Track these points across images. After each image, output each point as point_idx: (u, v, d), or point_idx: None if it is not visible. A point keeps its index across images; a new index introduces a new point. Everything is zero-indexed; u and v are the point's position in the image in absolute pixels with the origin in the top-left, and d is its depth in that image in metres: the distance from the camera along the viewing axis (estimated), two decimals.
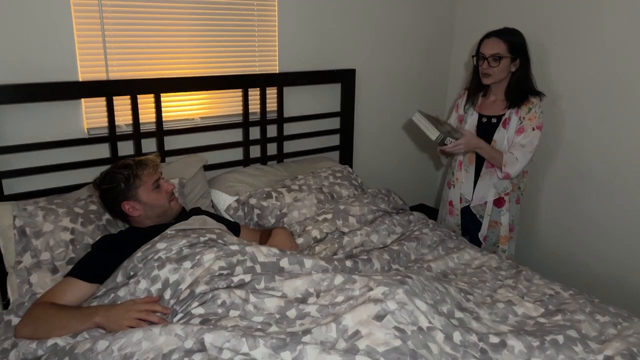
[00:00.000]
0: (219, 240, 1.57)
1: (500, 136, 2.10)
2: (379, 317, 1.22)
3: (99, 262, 1.53)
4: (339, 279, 1.41)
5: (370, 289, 1.33)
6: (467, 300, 1.49)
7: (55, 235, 1.68)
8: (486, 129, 2.16)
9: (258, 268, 1.48)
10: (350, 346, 1.16)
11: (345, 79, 2.56)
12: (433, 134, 1.96)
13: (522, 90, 2.09)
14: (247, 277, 1.41)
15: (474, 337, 1.27)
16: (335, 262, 1.61)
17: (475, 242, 2.25)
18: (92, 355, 1.19)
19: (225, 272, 1.42)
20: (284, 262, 1.52)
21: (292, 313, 1.32)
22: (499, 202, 2.18)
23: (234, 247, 1.51)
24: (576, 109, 2.42)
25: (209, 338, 1.17)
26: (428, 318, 1.25)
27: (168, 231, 1.59)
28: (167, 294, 1.38)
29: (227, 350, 1.15)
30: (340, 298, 1.35)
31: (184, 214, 1.79)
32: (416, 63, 2.90)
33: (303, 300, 1.37)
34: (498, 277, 1.68)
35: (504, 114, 2.12)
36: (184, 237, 1.53)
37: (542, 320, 1.43)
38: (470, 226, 2.30)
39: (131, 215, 1.67)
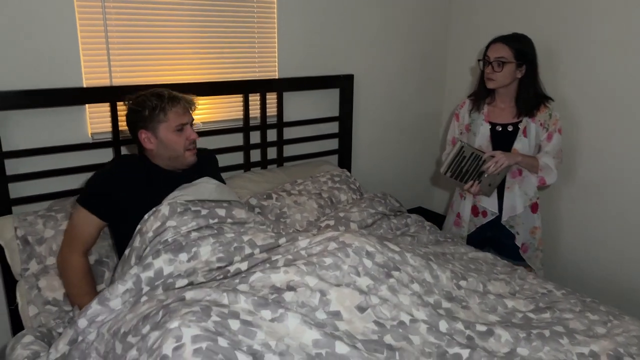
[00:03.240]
0: (228, 220, 1.59)
1: (522, 145, 2.07)
2: (361, 309, 1.26)
3: (109, 201, 1.61)
4: (332, 246, 1.44)
5: (358, 274, 1.36)
6: (458, 287, 1.51)
7: (57, 239, 1.72)
8: (502, 137, 2.12)
9: (257, 252, 1.51)
10: (330, 322, 1.20)
11: (343, 84, 2.60)
12: (456, 146, 1.93)
13: (533, 97, 2.07)
14: (244, 266, 1.43)
15: (461, 325, 1.31)
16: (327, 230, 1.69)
17: (506, 252, 2.18)
18: (86, 347, 1.23)
19: (223, 264, 1.44)
20: (282, 241, 1.56)
21: (278, 263, 1.37)
22: (534, 208, 2.16)
23: (230, 236, 1.52)
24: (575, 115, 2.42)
25: (189, 294, 1.21)
26: (412, 311, 1.29)
27: (178, 200, 1.58)
28: (159, 285, 1.39)
29: (206, 302, 1.18)
30: (329, 261, 1.38)
31: (197, 165, 1.76)
32: (413, 69, 2.94)
33: (293, 260, 1.41)
34: (493, 271, 1.71)
35: (518, 122, 2.09)
36: (193, 218, 1.53)
37: (530, 315, 1.46)
38: (500, 238, 2.20)
39: (144, 146, 1.66)
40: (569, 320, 1.43)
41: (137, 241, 1.51)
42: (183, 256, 1.43)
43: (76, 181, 1.99)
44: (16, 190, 1.88)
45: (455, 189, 2.35)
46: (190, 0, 2.12)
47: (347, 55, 2.64)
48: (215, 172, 1.91)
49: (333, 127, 2.67)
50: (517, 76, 2.06)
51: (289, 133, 2.52)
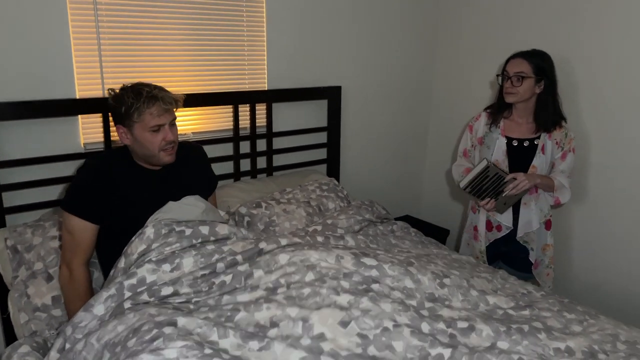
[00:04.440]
0: (211, 238, 1.61)
1: (540, 162, 2.09)
2: (344, 324, 1.30)
3: (97, 201, 1.59)
4: (309, 277, 1.48)
5: (338, 294, 1.40)
6: (442, 286, 1.54)
7: (45, 245, 1.75)
8: (518, 152, 2.12)
9: (240, 259, 1.54)
10: (315, 345, 1.25)
11: (331, 95, 2.67)
12: (481, 164, 1.93)
13: (552, 114, 2.08)
14: (229, 278, 1.47)
15: (443, 325, 1.36)
16: (308, 238, 1.71)
17: (518, 265, 2.20)
18: (74, 356, 1.26)
19: (207, 271, 1.48)
20: (262, 244, 1.60)
21: (260, 300, 1.41)
22: (547, 225, 2.18)
23: (210, 247, 1.56)
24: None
25: (181, 321, 1.24)
26: (394, 317, 1.34)
27: (163, 221, 1.57)
28: (143, 291, 1.42)
29: (196, 336, 1.22)
30: (307, 291, 1.42)
31: (179, 162, 1.73)
32: (400, 81, 3.02)
33: (273, 290, 1.45)
34: (475, 270, 1.76)
35: (535, 138, 2.10)
36: (178, 240, 1.55)
37: (511, 312, 1.51)
38: (513, 252, 2.21)
39: (121, 140, 1.64)
40: (547, 318, 1.48)
41: (122, 262, 1.53)
42: (166, 266, 1.46)
43: None
44: (9, 199, 1.90)
45: (468, 206, 2.36)
46: (182, 15, 2.18)
47: (335, 67, 2.71)
48: (204, 169, 1.90)
49: (321, 137, 2.74)
50: (535, 91, 2.06)
51: (278, 143, 2.57)
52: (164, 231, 1.55)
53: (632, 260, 2.33)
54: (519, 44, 2.25)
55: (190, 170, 1.82)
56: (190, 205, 1.68)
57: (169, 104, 1.60)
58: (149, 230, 1.55)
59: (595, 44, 2.32)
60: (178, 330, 1.20)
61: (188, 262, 1.49)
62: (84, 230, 1.61)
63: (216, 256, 1.53)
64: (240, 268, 1.50)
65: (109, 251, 1.66)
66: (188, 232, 1.57)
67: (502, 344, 1.34)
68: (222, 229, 1.64)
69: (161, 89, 1.64)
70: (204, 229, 1.60)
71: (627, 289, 2.36)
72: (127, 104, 1.56)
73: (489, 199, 2.02)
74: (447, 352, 1.29)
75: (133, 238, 1.55)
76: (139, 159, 1.69)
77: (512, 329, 1.37)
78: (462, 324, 1.37)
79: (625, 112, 2.26)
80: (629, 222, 2.32)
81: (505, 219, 2.15)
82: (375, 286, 1.47)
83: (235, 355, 1.19)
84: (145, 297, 1.39)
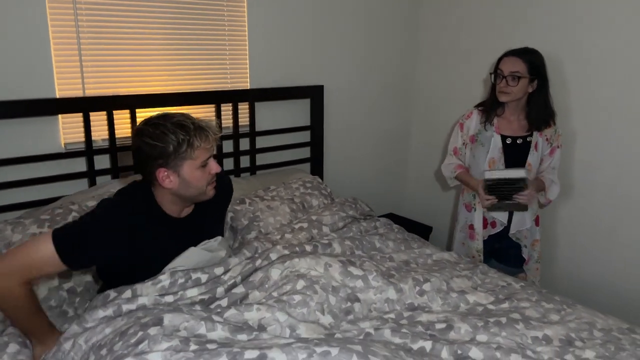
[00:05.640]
0: (223, 277, 1.55)
1: (535, 159, 2.12)
2: (329, 335, 1.35)
3: (93, 257, 1.37)
4: (300, 284, 1.50)
5: (322, 312, 1.45)
6: (421, 294, 1.59)
7: (24, 241, 1.72)
8: (513, 150, 2.14)
9: (239, 280, 1.55)
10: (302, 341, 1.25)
11: (314, 94, 2.69)
12: (519, 172, 1.97)
13: (544, 112, 2.10)
14: (224, 302, 1.44)
15: (421, 328, 1.39)
16: (297, 248, 1.74)
17: (510, 261, 2.23)
18: (63, 356, 1.25)
19: (206, 297, 1.46)
20: (258, 263, 1.63)
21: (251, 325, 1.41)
22: (537, 221, 2.23)
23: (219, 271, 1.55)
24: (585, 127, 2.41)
25: (168, 317, 1.23)
26: (372, 332, 1.37)
27: (179, 269, 1.46)
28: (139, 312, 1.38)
29: (184, 331, 1.22)
30: (297, 297, 1.45)
31: (201, 209, 1.58)
32: (382, 80, 3.05)
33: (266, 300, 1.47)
34: (456, 269, 1.79)
35: (527, 135, 2.12)
36: (193, 286, 1.47)
37: (490, 307, 1.54)
38: (505, 249, 2.24)
39: (162, 185, 1.40)
40: (525, 309, 1.52)
41: (128, 294, 1.43)
42: (169, 297, 1.42)
43: (49, 191, 2.01)
44: None
45: (459, 203, 2.35)
46: (162, 13, 2.18)
47: (317, 66, 2.73)
48: (226, 204, 1.76)
49: (305, 136, 2.75)
50: (528, 90, 2.07)
51: (262, 142, 2.58)
52: (180, 281, 1.46)
53: (613, 253, 2.39)
54: (503, 43, 2.28)
55: (214, 209, 1.65)
56: (212, 252, 1.57)
57: (216, 133, 1.42)
58: (164, 278, 1.45)
59: (582, 41, 2.35)
60: (164, 330, 1.20)
61: (192, 292, 1.46)
62: (52, 265, 1.33)
63: (218, 282, 1.52)
64: (236, 290, 1.50)
65: (112, 285, 1.48)
66: (204, 278, 1.50)
67: (482, 337, 1.37)
68: (233, 262, 1.61)
69: (191, 117, 1.43)
70: (218, 270, 1.55)
71: (607, 281, 2.42)
72: (177, 141, 1.34)
73: (493, 197, 2.02)
74: (428, 345, 1.31)
75: (147, 280, 1.45)
76: (173, 202, 1.47)
77: (489, 323, 1.40)
78: (440, 325, 1.41)
79: (611, 109, 2.30)
80: (612, 218, 2.37)
81: (500, 215, 2.17)
82: (357, 306, 1.51)
83: (223, 343, 1.19)
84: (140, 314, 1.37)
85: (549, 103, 2.12)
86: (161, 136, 1.35)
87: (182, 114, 1.42)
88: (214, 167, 1.44)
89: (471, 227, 2.24)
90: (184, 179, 1.40)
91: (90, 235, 1.35)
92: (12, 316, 1.35)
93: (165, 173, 1.38)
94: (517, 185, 1.98)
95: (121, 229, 1.38)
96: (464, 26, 2.86)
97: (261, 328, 1.31)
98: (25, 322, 1.34)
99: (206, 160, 1.42)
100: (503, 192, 2.00)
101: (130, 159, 2.13)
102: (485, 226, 2.22)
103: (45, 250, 1.31)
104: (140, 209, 1.44)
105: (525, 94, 2.08)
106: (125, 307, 1.36)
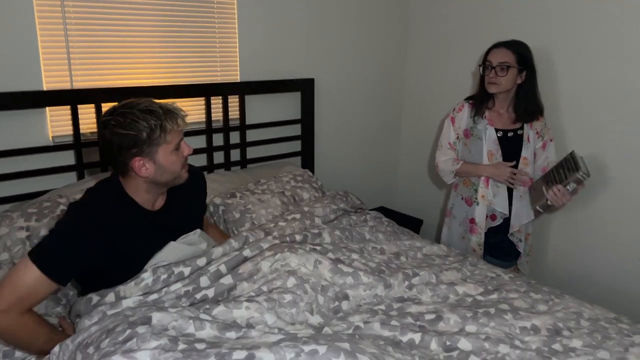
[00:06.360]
0: (206, 268, 1.55)
1: (529, 153, 2.13)
2: (317, 330, 1.36)
3: (77, 264, 1.33)
4: (291, 282, 1.50)
5: (311, 312, 1.45)
6: (410, 288, 1.60)
7: (12, 235, 1.70)
8: (506, 143, 2.14)
9: (223, 268, 1.54)
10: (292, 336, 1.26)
11: (304, 87, 2.68)
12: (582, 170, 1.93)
13: (533, 104, 2.10)
14: (211, 292, 1.44)
15: (410, 319, 1.40)
16: (287, 238, 1.74)
17: (503, 254, 2.24)
18: (54, 358, 1.24)
19: (190, 287, 1.45)
20: (247, 252, 1.62)
21: (240, 298, 1.42)
22: None
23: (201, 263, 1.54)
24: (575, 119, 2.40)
25: (156, 316, 1.23)
26: (361, 326, 1.38)
27: (160, 265, 1.45)
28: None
29: (172, 330, 1.21)
30: (288, 297, 1.45)
31: (175, 201, 1.57)
32: (373, 73, 3.05)
33: (256, 296, 1.46)
34: (445, 262, 1.81)
35: (518, 128, 2.13)
36: (176, 281, 1.46)
37: (479, 298, 1.56)
38: (499, 243, 2.24)
39: (138, 174, 1.38)
40: (514, 300, 1.54)
41: (111, 297, 1.43)
42: (154, 296, 1.42)
43: (37, 184, 1.99)
44: None
45: (454, 198, 2.32)
46: (151, 4, 2.16)
47: (307, 59, 2.72)
48: (203, 198, 1.75)
49: (295, 130, 2.75)
50: (517, 82, 2.08)
51: (252, 135, 2.57)
52: (163, 277, 1.45)
53: (598, 245, 2.42)
54: (492, 37, 2.28)
55: (188, 201, 1.63)
56: (193, 246, 1.56)
57: (185, 114, 1.41)
58: (146, 276, 1.44)
59: (570, 35, 2.36)
60: (152, 329, 1.19)
61: (176, 287, 1.45)
62: (46, 287, 1.30)
63: (201, 272, 1.50)
64: (224, 281, 1.49)
65: (94, 288, 1.46)
66: (186, 271, 1.50)
67: (471, 328, 1.38)
68: (217, 252, 1.60)
69: (156, 101, 1.42)
70: (201, 261, 1.55)
71: (595, 272, 2.44)
72: (149, 127, 1.32)
73: (541, 181, 2.02)
74: (417, 337, 1.33)
75: (129, 280, 1.43)
76: (148, 190, 1.44)
77: (478, 313, 1.42)
78: (430, 316, 1.42)
79: (597, 103, 2.31)
80: (600, 211, 2.39)
81: (502, 206, 2.15)
82: (344, 304, 1.51)
83: (212, 342, 1.19)
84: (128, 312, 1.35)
85: (537, 95, 2.13)
86: (132, 124, 1.32)
87: (147, 100, 1.40)
88: (186, 149, 1.44)
89: (472, 221, 2.22)
90: (160, 165, 1.39)
91: (68, 245, 1.31)
92: (30, 346, 1.31)
93: (141, 162, 1.36)
94: (575, 180, 1.93)
95: (96, 230, 1.34)
96: (455, 18, 2.87)
97: (249, 326, 1.32)
98: (47, 344, 1.30)
99: (178, 142, 1.41)
100: (555, 176, 1.98)
101: None
102: (485, 219, 2.20)
103: (31, 276, 1.27)
104: (112, 204, 1.41)
105: (514, 85, 2.09)
106: (110, 313, 1.34)
